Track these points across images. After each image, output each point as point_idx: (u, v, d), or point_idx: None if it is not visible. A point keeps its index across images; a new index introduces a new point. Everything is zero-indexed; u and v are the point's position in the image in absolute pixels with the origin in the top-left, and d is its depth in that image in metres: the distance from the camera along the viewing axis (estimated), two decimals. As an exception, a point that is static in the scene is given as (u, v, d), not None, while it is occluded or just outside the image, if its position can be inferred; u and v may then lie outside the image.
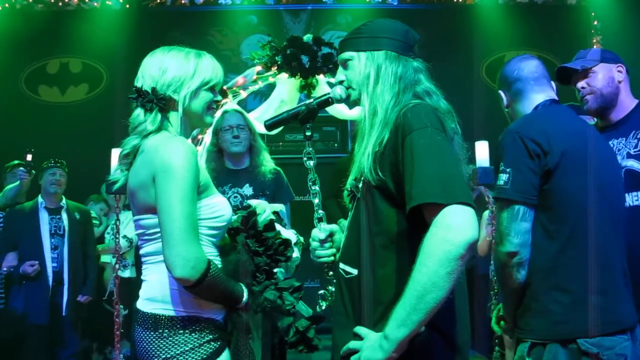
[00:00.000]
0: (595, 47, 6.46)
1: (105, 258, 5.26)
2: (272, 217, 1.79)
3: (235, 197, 3.24)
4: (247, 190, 3.28)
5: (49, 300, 4.36)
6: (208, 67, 1.80)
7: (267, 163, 3.36)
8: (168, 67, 1.76)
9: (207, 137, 4.02)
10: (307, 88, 4.41)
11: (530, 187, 1.82)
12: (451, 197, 1.39)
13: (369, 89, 1.67)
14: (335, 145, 4.84)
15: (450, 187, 1.41)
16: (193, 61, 1.79)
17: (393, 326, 1.42)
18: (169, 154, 1.64)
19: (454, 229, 1.37)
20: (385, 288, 1.56)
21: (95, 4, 6.46)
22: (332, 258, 1.81)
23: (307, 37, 4.41)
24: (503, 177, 1.84)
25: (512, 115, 2.12)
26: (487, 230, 4.28)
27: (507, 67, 2.12)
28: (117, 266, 4.14)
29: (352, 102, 1.77)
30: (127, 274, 5.12)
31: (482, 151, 3.94)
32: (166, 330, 1.66)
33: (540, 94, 2.05)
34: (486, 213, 4.34)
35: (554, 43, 6.46)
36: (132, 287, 4.87)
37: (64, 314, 4.42)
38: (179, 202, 1.60)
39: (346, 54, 1.74)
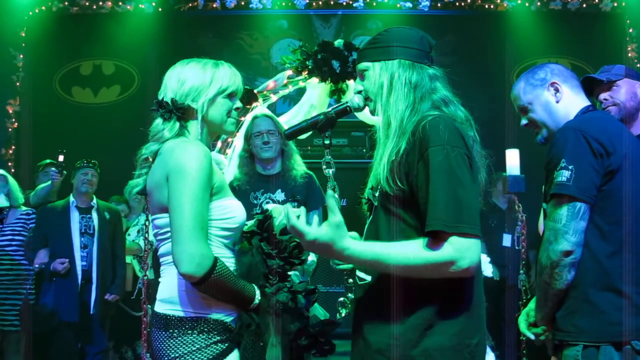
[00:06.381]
0: (629, 55, 6.38)
1: (127, 259, 5.31)
2: None
3: (268, 202, 3.25)
4: (279, 195, 3.29)
5: (78, 298, 4.44)
6: (225, 75, 1.86)
7: (299, 167, 3.37)
8: (186, 79, 1.83)
9: (237, 141, 4.05)
10: (337, 93, 4.41)
11: (592, 186, 1.81)
12: (457, 227, 1.49)
13: (383, 99, 1.69)
14: (364, 150, 4.81)
15: (458, 215, 1.49)
16: (210, 70, 1.84)
17: (362, 250, 1.54)
18: (182, 156, 1.71)
19: (452, 261, 1.50)
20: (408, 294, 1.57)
21: (129, 7, 6.55)
22: (351, 265, 1.82)
23: (338, 42, 4.40)
24: (565, 174, 1.81)
25: (554, 113, 2.06)
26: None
27: (552, 64, 2.11)
28: (144, 266, 4.19)
29: (370, 112, 1.77)
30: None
31: (512, 159, 3.88)
32: (176, 331, 1.72)
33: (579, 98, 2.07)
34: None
35: (588, 51, 6.36)
36: (150, 288, 4.90)
37: (92, 312, 4.49)
38: (188, 200, 1.66)
39: (362, 65, 1.76)
